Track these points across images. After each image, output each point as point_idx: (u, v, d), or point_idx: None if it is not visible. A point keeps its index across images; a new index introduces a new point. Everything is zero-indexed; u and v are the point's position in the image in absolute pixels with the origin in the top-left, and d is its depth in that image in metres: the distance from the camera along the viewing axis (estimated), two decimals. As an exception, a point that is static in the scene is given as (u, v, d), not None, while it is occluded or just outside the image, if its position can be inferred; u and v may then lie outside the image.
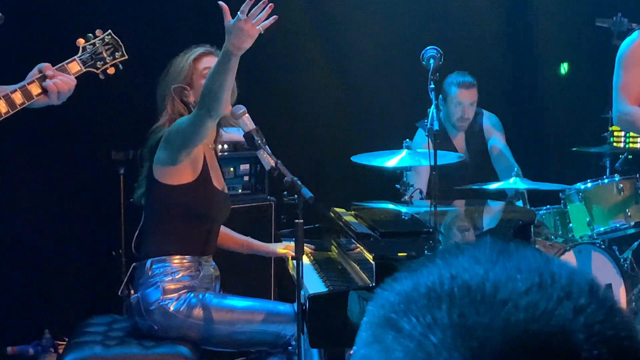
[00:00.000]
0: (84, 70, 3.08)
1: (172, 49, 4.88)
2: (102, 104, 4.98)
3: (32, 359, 4.90)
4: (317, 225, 4.24)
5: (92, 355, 3.43)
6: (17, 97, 2.85)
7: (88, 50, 3.12)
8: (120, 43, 3.20)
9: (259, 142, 3.42)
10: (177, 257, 3.54)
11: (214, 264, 3.71)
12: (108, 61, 3.16)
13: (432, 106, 4.01)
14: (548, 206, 5.10)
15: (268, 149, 3.42)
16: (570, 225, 4.91)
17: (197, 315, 3.49)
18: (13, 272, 4.98)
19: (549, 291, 0.72)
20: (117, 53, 3.19)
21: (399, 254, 3.12)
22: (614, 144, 5.54)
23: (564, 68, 6.65)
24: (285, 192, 3.24)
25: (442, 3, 6.18)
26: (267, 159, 3.39)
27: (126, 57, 3.22)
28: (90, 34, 3.15)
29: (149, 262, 3.54)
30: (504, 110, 5.77)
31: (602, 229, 4.86)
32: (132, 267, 3.71)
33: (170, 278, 3.51)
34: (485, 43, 5.98)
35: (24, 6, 4.59)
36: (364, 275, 3.19)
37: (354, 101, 6.08)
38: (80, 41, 3.12)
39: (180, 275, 3.52)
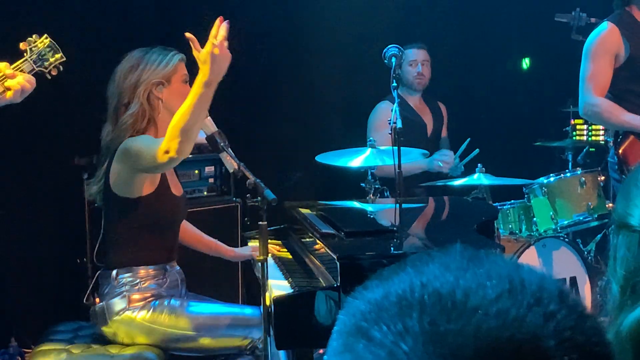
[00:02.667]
0: (36, 69, 3.14)
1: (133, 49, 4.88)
2: (64, 109, 4.94)
3: (-1, 367, 4.86)
4: (282, 225, 4.23)
5: (57, 363, 3.41)
6: None
7: (33, 51, 3.18)
8: (57, 47, 3.26)
9: (222, 144, 3.40)
10: (143, 267, 3.51)
11: (178, 268, 3.69)
12: (52, 61, 3.23)
13: (395, 104, 4.02)
14: (512, 201, 5.14)
15: (231, 151, 3.41)
16: (535, 219, 4.96)
17: (163, 322, 3.47)
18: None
19: (519, 298, 0.73)
20: (57, 54, 3.25)
21: (364, 254, 3.11)
22: (576, 138, 5.60)
23: (526, 63, 6.70)
24: (248, 195, 3.23)
25: (396, 2, 6.20)
26: (230, 162, 3.38)
27: (64, 59, 3.26)
28: (30, 38, 3.21)
29: (114, 271, 3.52)
30: (466, 105, 5.81)
31: (565, 222, 4.90)
32: (97, 274, 3.67)
33: (137, 287, 3.48)
34: (446, 38, 6.01)
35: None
36: (329, 276, 3.19)
37: (318, 100, 6.08)
38: (24, 44, 3.18)
39: (146, 284, 3.50)
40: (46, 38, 3.26)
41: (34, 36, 3.23)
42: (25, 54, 3.15)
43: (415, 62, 5.57)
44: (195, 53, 3.17)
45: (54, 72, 3.24)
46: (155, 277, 3.52)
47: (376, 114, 5.52)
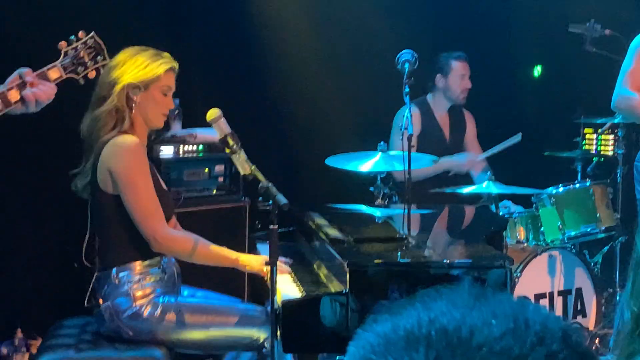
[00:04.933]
0: (65, 76, 2.96)
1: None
2: (72, 107, 4.95)
3: (5, 358, 4.87)
4: (291, 228, 4.25)
5: (65, 359, 3.42)
6: None
7: (70, 54, 2.98)
8: (103, 46, 3.07)
9: (235, 146, 3.42)
10: (139, 262, 3.51)
11: (173, 260, 3.68)
12: (89, 66, 3.03)
13: (407, 110, 4.03)
14: (520, 210, 5.15)
15: (244, 153, 3.42)
16: (542, 229, 4.96)
17: (171, 319, 3.49)
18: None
19: (523, 337, 0.75)
20: (99, 57, 3.06)
21: (373, 261, 3.13)
22: (586, 149, 5.60)
23: (538, 71, 6.70)
24: (260, 198, 3.24)
25: (417, 6, 6.21)
26: (243, 164, 3.39)
27: (108, 60, 3.13)
28: (72, 37, 3.02)
29: (113, 270, 3.51)
30: (476, 113, 5.81)
31: (573, 233, 4.91)
32: (94, 277, 3.67)
33: (138, 285, 3.49)
34: (459, 45, 6.01)
35: (6, 7, 4.56)
36: (337, 281, 3.21)
37: (329, 103, 6.10)
38: (62, 45, 2.98)
39: (146, 279, 3.51)
40: (91, 37, 3.06)
41: (80, 33, 3.04)
42: (64, 56, 2.97)
43: (464, 75, 5.55)
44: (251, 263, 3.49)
45: (91, 76, 3.06)
46: (152, 270, 3.53)
47: (400, 117, 5.47)
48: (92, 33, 3.04)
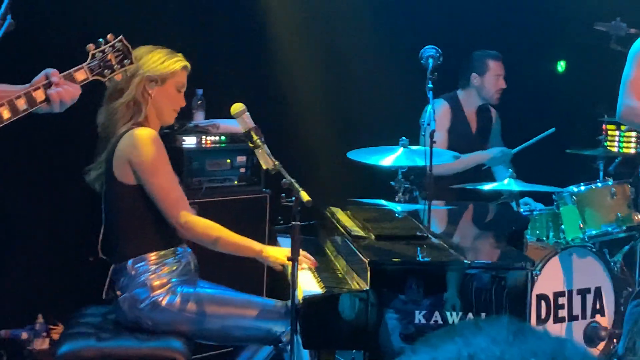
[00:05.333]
0: (91, 78, 2.98)
1: (171, 38, 4.90)
2: (89, 100, 4.97)
3: (25, 343, 4.92)
4: (312, 222, 4.26)
5: (86, 347, 3.46)
6: (21, 103, 2.78)
7: (97, 57, 3.00)
8: (131, 50, 3.09)
9: (258, 140, 3.44)
10: (154, 252, 3.55)
11: (189, 250, 3.72)
12: (116, 69, 3.05)
13: (430, 105, 4.04)
14: (541, 207, 5.15)
15: (267, 148, 3.44)
16: (563, 227, 4.96)
17: (190, 309, 3.52)
18: (7, 257, 5.00)
19: None
20: (125, 60, 3.07)
21: (395, 260, 3.14)
22: (608, 148, 5.58)
23: (561, 66, 6.67)
24: (283, 194, 3.26)
25: (443, 1, 6.19)
26: (266, 159, 3.41)
27: (135, 64, 3.16)
28: (100, 39, 3.03)
29: (130, 262, 3.54)
30: (500, 109, 5.80)
31: (593, 232, 4.90)
32: (111, 269, 3.70)
33: (154, 275, 3.52)
34: (484, 41, 5.99)
35: (35, 9, 4.57)
36: (358, 278, 3.22)
37: (351, 96, 6.11)
38: (90, 47, 3.00)
39: (162, 271, 3.53)
40: (119, 41, 3.07)
41: (109, 36, 3.06)
42: (92, 58, 2.98)
43: (500, 76, 5.56)
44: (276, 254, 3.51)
45: (117, 78, 3.12)
46: (168, 261, 3.56)
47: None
48: (120, 37, 3.07)
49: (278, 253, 3.53)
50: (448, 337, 0.81)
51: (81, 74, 2.93)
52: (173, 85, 3.65)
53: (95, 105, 3.69)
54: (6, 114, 2.76)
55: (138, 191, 3.51)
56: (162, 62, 3.63)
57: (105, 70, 3.00)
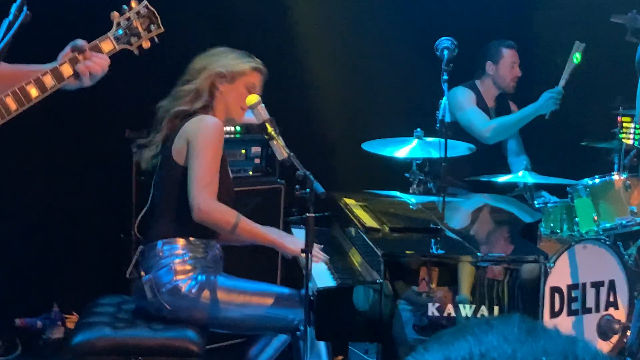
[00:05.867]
0: (118, 48, 2.87)
1: (188, 29, 4.91)
2: (118, 81, 4.99)
3: (40, 331, 4.97)
4: (326, 213, 4.27)
5: (101, 337, 3.48)
6: (48, 80, 2.70)
7: (122, 25, 2.89)
8: (157, 14, 2.96)
9: (273, 132, 3.46)
10: (185, 238, 3.58)
11: (218, 245, 3.76)
12: (143, 36, 2.92)
13: (444, 97, 4.04)
14: (555, 199, 5.14)
15: (282, 139, 3.46)
16: (577, 220, 4.95)
17: (209, 297, 3.55)
18: (24, 245, 5.04)
19: None
20: (152, 26, 2.94)
21: (409, 252, 3.15)
22: (623, 140, 5.56)
23: (577, 58, 6.64)
24: (297, 186, 3.27)
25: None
26: (281, 150, 3.43)
27: (162, 29, 2.99)
28: (124, 6, 2.93)
29: (159, 243, 3.59)
30: (515, 100, 5.79)
31: (608, 225, 4.89)
32: (139, 249, 3.74)
33: (181, 260, 3.56)
34: (500, 32, 5.98)
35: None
36: (372, 270, 3.23)
37: (366, 88, 6.10)
38: (115, 15, 2.89)
39: (189, 257, 3.57)
40: (144, 7, 2.94)
41: (132, 2, 2.93)
42: (117, 26, 2.88)
43: (514, 64, 5.59)
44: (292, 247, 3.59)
45: (145, 45, 2.94)
46: (196, 250, 3.59)
47: (454, 97, 5.44)
48: (145, 2, 2.96)
49: (292, 243, 3.57)
50: (460, 335, 0.82)
51: (107, 44, 2.85)
52: (243, 84, 3.75)
53: (126, 82, 3.67)
54: (34, 92, 2.70)
55: (186, 173, 3.55)
56: (234, 60, 3.76)
57: (132, 38, 2.91)
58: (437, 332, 0.88)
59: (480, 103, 5.59)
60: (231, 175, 3.83)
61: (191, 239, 3.59)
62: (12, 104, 2.66)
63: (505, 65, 5.57)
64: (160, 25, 2.97)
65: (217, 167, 3.57)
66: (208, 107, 3.71)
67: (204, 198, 3.47)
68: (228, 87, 3.73)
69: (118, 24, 2.89)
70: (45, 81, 2.73)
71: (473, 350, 0.79)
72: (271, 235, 3.63)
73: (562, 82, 5.40)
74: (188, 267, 3.56)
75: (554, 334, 0.81)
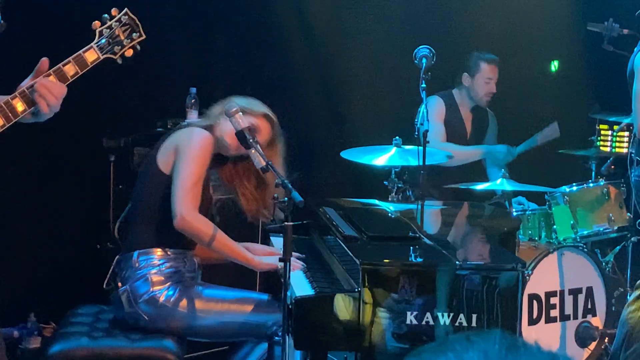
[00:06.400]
0: (102, 57, 2.85)
1: (163, 35, 4.88)
2: (93, 90, 4.98)
3: (17, 341, 4.92)
4: (305, 221, 4.26)
5: (78, 347, 3.45)
6: None
7: (104, 34, 2.87)
8: (137, 22, 2.94)
9: (251, 140, 3.44)
10: (162, 249, 3.56)
11: (195, 256, 3.74)
12: (126, 44, 2.91)
13: (423, 105, 4.05)
14: (534, 207, 5.16)
15: (259, 148, 3.44)
16: (555, 227, 4.97)
17: (186, 306, 3.52)
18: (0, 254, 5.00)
19: None
20: (134, 34, 2.93)
21: (387, 261, 3.15)
22: (601, 148, 5.60)
23: (555, 66, 6.68)
24: (275, 195, 3.26)
25: (433, 1, 6.20)
26: (259, 159, 3.42)
27: (144, 36, 2.97)
28: (105, 15, 2.90)
29: (135, 254, 3.56)
30: (491, 109, 5.81)
31: (585, 232, 4.92)
32: (115, 259, 3.71)
33: (157, 270, 3.53)
34: (475, 42, 6.00)
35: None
36: (350, 279, 3.23)
37: (344, 96, 6.11)
38: (96, 24, 2.86)
39: (165, 267, 3.55)
40: (124, 14, 2.94)
41: (113, 10, 2.91)
42: (99, 36, 2.85)
43: (491, 80, 5.56)
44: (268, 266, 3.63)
45: (128, 54, 2.93)
46: (174, 260, 3.57)
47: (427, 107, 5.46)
48: (125, 9, 2.94)
49: (268, 266, 3.60)
50: (440, 351, 0.82)
51: (91, 54, 2.82)
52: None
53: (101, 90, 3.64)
54: None
55: (169, 184, 3.53)
56: (249, 102, 3.78)
57: (115, 47, 2.89)
58: (417, 344, 0.87)
59: (454, 113, 5.60)
60: (211, 192, 3.80)
61: (168, 249, 3.57)
62: None
63: (481, 80, 5.56)
64: (142, 32, 2.95)
65: (202, 179, 3.56)
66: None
67: (188, 207, 3.45)
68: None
69: (100, 33, 2.87)
70: None
71: None
72: (247, 254, 3.63)
73: (521, 149, 5.47)
74: (165, 278, 3.54)
75: (535, 350, 0.81)
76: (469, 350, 0.81)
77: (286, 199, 3.19)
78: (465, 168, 5.49)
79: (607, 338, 4.80)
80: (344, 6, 6.02)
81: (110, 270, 3.73)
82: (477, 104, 5.64)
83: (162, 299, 3.50)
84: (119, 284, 3.60)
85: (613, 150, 5.77)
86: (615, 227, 4.94)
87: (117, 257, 3.70)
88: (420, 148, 3.99)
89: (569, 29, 6.02)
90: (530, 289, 4.64)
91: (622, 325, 3.90)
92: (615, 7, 5.44)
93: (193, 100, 5.13)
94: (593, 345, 4.83)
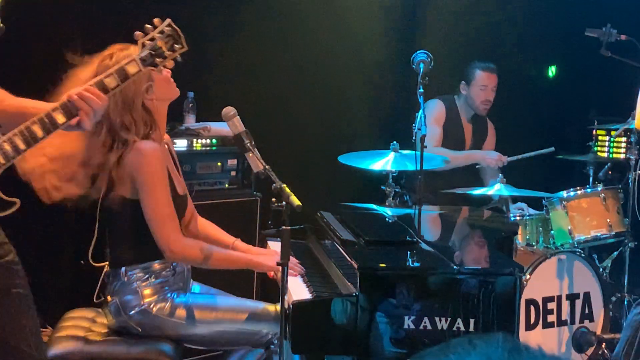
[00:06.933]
0: (144, 70, 2.78)
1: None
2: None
3: (13, 345, 4.89)
4: (302, 226, 4.26)
5: (74, 351, 3.44)
6: (37, 129, 2.59)
7: (147, 46, 2.79)
8: (180, 33, 2.84)
9: (248, 144, 3.43)
10: (149, 262, 3.51)
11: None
12: (167, 55, 2.81)
13: (421, 110, 4.05)
14: (531, 212, 5.16)
15: (257, 152, 3.43)
16: (552, 232, 4.97)
17: (180, 315, 3.50)
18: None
19: None
20: (176, 45, 2.83)
21: (384, 265, 3.15)
22: (598, 154, 5.60)
23: (552, 71, 6.70)
24: (273, 199, 3.25)
25: (432, 8, 6.21)
26: (256, 162, 3.40)
27: (186, 48, 2.85)
28: (148, 25, 2.81)
29: (122, 269, 3.52)
30: (490, 115, 5.82)
31: (583, 237, 4.92)
32: (104, 273, 3.67)
33: (147, 282, 3.50)
34: (473, 49, 6.01)
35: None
36: (348, 283, 3.23)
37: (342, 100, 6.11)
38: (138, 35, 2.79)
39: (155, 277, 3.51)
40: (168, 25, 2.83)
41: (155, 21, 2.82)
42: (142, 47, 2.78)
43: (486, 87, 5.57)
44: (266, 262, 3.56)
45: (169, 65, 2.87)
46: (163, 270, 3.54)
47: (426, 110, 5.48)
48: (168, 21, 2.83)
49: (267, 260, 3.55)
50: (442, 355, 0.81)
51: (133, 67, 2.75)
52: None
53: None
54: (21, 145, 2.60)
55: (134, 206, 3.46)
56: None
57: (157, 59, 2.81)
58: (414, 349, 0.87)
59: (454, 119, 5.60)
60: (180, 185, 3.68)
61: (154, 262, 3.52)
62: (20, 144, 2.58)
63: (476, 88, 5.57)
64: (184, 44, 2.84)
65: (168, 193, 3.45)
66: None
67: (171, 238, 3.38)
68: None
69: (143, 45, 2.79)
70: (35, 130, 2.61)
71: None
72: (245, 257, 3.60)
73: (513, 159, 5.48)
74: (155, 289, 3.50)
75: (538, 354, 0.80)
76: (472, 354, 0.80)
77: (284, 202, 3.18)
78: (463, 173, 5.50)
79: (604, 343, 4.80)
80: (340, 10, 6.01)
81: (99, 284, 3.70)
82: (476, 113, 5.64)
83: (154, 310, 3.48)
84: (109, 297, 3.56)
85: (610, 155, 5.77)
86: (613, 233, 4.94)
87: (105, 270, 3.66)
88: (418, 153, 3.99)
89: (566, 35, 6.03)
90: (527, 294, 4.64)
91: (627, 329, 3.89)
92: (613, 12, 5.45)
93: (190, 105, 5.14)
94: (590, 350, 4.83)
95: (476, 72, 5.54)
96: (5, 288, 2.77)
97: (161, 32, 2.80)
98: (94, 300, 3.86)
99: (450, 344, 0.83)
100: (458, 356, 0.80)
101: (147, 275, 3.50)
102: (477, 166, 5.59)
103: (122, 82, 2.75)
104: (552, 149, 5.41)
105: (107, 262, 3.64)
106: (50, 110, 2.63)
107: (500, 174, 5.03)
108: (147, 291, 3.49)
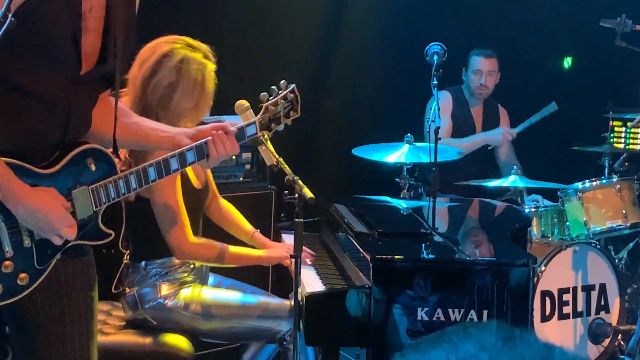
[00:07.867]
0: (259, 134, 2.75)
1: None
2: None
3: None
4: (316, 218, 4.27)
5: (91, 343, 3.46)
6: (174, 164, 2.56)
7: (270, 111, 2.76)
8: (299, 99, 2.82)
9: (261, 138, 3.43)
10: (168, 258, 3.55)
11: None
12: (282, 121, 2.78)
13: (435, 102, 4.04)
14: (546, 203, 5.15)
15: (270, 145, 3.44)
16: (567, 223, 4.96)
17: (194, 310, 3.53)
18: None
19: None
20: (292, 112, 2.80)
21: (398, 257, 3.15)
22: (614, 144, 5.58)
23: (568, 62, 6.67)
24: (286, 191, 3.26)
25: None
26: (269, 156, 3.40)
27: (299, 114, 2.83)
28: (273, 87, 2.80)
29: (143, 263, 3.56)
30: (505, 105, 5.80)
31: (598, 229, 4.90)
32: (123, 265, 3.70)
33: (165, 277, 3.53)
34: (490, 38, 5.99)
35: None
36: (361, 275, 3.23)
37: (356, 93, 6.11)
38: (263, 98, 2.77)
39: (174, 272, 3.55)
40: (292, 92, 2.81)
41: (281, 83, 2.80)
42: (264, 111, 2.76)
43: (479, 72, 5.58)
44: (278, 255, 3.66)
45: (278, 129, 2.82)
46: (182, 265, 3.57)
47: (429, 109, 5.50)
48: (293, 86, 2.82)
49: (276, 252, 3.60)
50: (437, 343, 0.82)
51: (251, 130, 2.74)
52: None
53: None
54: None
55: (149, 204, 3.48)
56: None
57: (272, 124, 2.79)
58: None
59: (462, 108, 5.61)
60: (195, 180, 3.72)
61: (173, 257, 3.55)
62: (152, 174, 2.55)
63: (471, 73, 5.61)
64: (299, 110, 2.81)
65: (177, 194, 3.47)
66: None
67: (181, 240, 3.43)
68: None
69: (266, 110, 2.76)
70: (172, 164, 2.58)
71: (450, 358, 0.79)
72: (254, 254, 3.66)
73: (520, 128, 5.47)
74: (173, 283, 3.54)
75: (532, 341, 0.81)
76: (466, 342, 0.80)
77: (297, 195, 3.19)
78: (478, 164, 5.49)
79: (620, 335, 4.79)
80: (353, 3, 6.01)
81: (118, 275, 3.73)
82: (476, 99, 5.65)
83: (169, 304, 3.51)
84: (127, 290, 3.60)
85: (627, 146, 5.74)
86: (629, 224, 4.91)
87: (124, 262, 3.69)
88: (432, 145, 3.98)
89: (581, 26, 6.00)
90: (542, 285, 4.63)
91: None
92: (628, 3, 5.41)
93: (205, 98, 5.14)
94: (606, 342, 4.82)
95: (471, 57, 5.59)
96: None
97: (284, 97, 2.78)
98: (112, 291, 3.89)
99: (445, 332, 0.84)
100: (452, 344, 0.80)
101: (165, 270, 3.54)
102: (489, 147, 5.58)
103: (238, 141, 2.69)
104: (556, 107, 5.38)
105: (127, 254, 3.68)
106: (185, 150, 2.58)
107: (516, 165, 5.01)
108: (165, 286, 3.53)
